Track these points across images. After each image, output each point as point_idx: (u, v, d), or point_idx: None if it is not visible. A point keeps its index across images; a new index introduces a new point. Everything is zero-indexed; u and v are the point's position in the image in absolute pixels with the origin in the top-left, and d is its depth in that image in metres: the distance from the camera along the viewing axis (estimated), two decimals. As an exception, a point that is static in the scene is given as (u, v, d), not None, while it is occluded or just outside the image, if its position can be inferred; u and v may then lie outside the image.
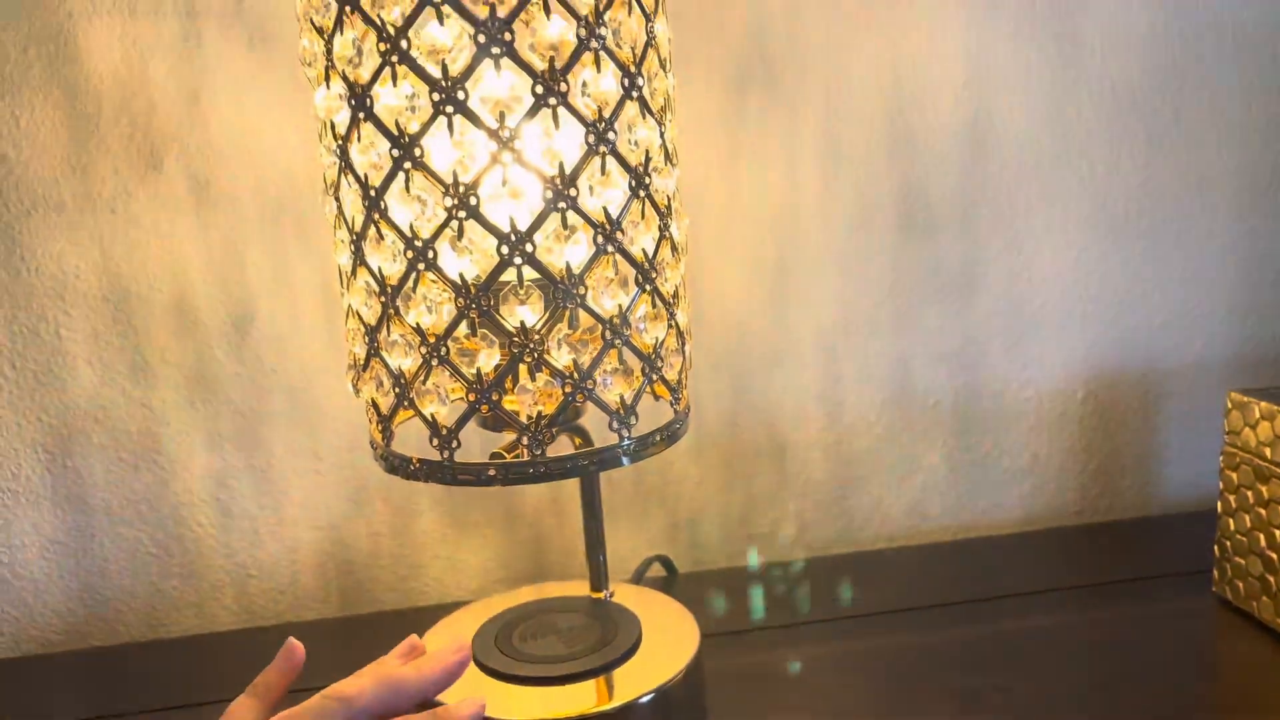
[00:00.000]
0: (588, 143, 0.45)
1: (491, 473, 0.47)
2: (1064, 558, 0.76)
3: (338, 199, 0.49)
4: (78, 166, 0.68)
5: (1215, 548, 0.67)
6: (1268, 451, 0.61)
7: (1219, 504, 0.66)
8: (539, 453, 0.47)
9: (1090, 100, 0.77)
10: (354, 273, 0.48)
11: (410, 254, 0.46)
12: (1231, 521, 0.65)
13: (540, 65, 0.44)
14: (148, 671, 0.69)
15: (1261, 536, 0.62)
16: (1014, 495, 0.84)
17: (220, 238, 0.71)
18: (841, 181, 0.76)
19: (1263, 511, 0.62)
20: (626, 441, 0.49)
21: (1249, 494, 0.63)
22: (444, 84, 0.43)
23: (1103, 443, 0.84)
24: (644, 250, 0.48)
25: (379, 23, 0.43)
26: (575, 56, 0.44)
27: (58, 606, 0.74)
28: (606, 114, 0.45)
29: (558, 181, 0.45)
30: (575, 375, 0.47)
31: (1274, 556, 0.61)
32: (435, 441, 0.48)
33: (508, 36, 0.43)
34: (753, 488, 0.80)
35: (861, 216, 0.77)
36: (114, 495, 0.73)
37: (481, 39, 0.43)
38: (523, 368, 0.47)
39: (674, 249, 0.51)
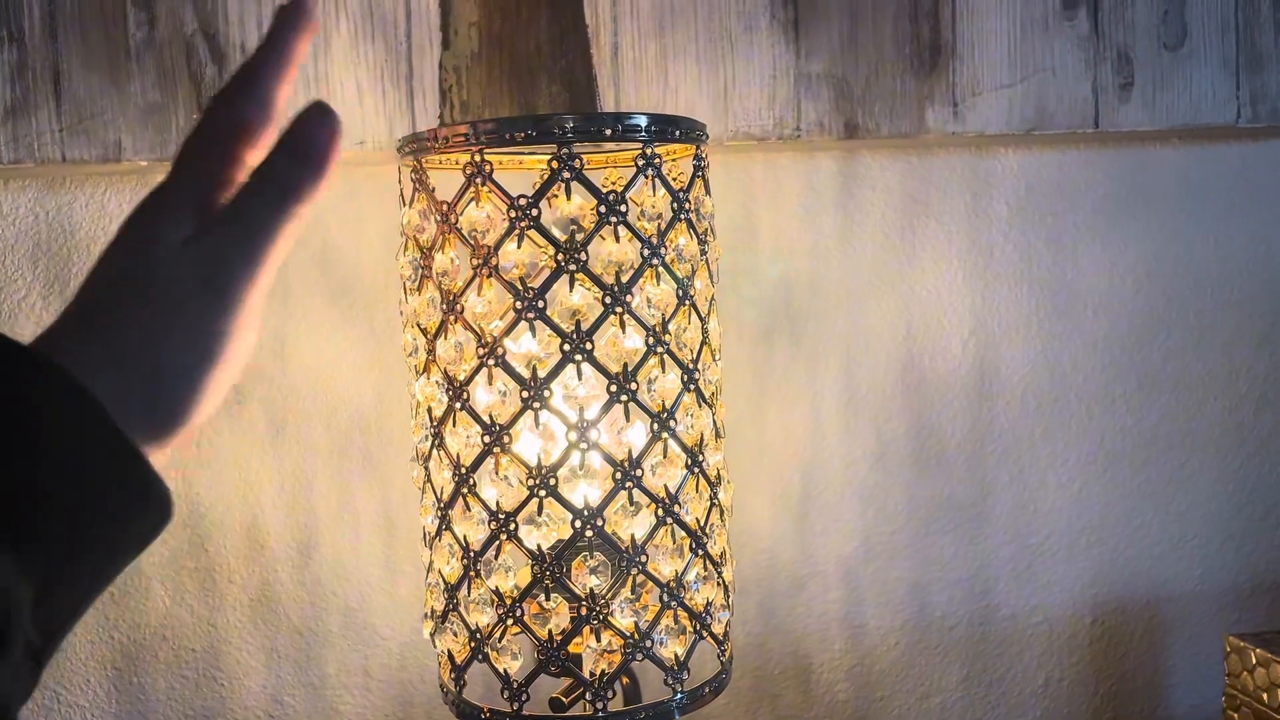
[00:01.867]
0: (652, 431, 0.52)
1: (557, 724, 0.52)
2: (1080, 785, 0.80)
3: (426, 468, 0.55)
4: (171, 405, 0.75)
5: (1224, 785, 0.70)
6: (1265, 696, 0.66)
7: (1224, 742, 0.70)
8: (600, 706, 0.52)
9: (1084, 349, 0.85)
10: (439, 535, 0.54)
11: (493, 525, 0.52)
12: (1237, 760, 0.69)
13: (614, 369, 0.51)
14: None
15: (1266, 778, 0.66)
16: (1029, 716, 0.87)
17: (292, 468, 0.77)
18: (860, 421, 0.83)
19: (1266, 753, 0.66)
20: (680, 696, 0.54)
21: (1252, 735, 0.67)
22: (532, 383, 0.50)
23: (1112, 667, 0.88)
24: (696, 520, 0.54)
25: (478, 330, 0.51)
26: (642, 361, 0.51)
27: (110, 821, 0.77)
28: (669, 405, 0.52)
29: (625, 465, 0.52)
30: (635, 635, 0.52)
31: (1279, 798, 0.65)
32: (505, 694, 0.53)
33: (589, 346, 0.50)
34: (778, 708, 0.84)
35: (879, 452, 0.84)
36: (174, 711, 0.77)
37: (566, 348, 0.50)
38: (586, 630, 0.52)
39: (722, 514, 0.57)
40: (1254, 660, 0.67)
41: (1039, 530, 0.86)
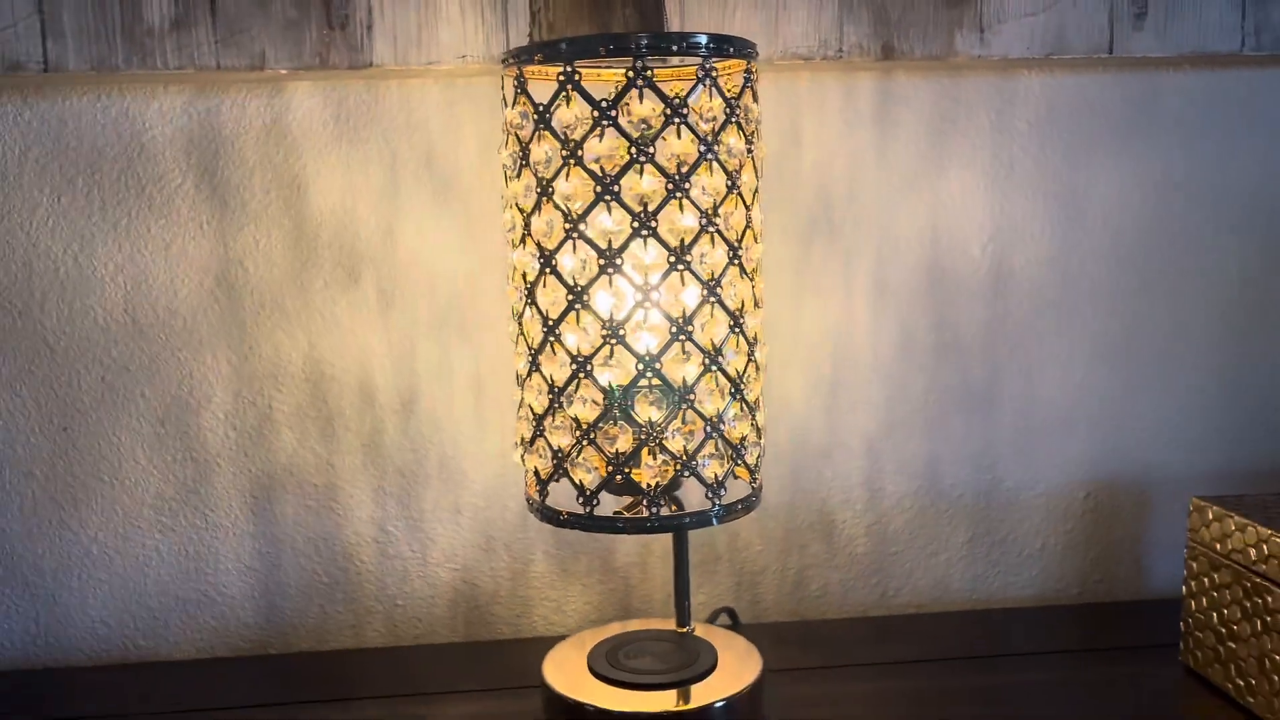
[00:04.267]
0: (703, 296, 0.65)
1: (620, 525, 0.66)
2: (1063, 628, 0.92)
3: (520, 324, 0.69)
4: (298, 279, 0.90)
5: (1181, 624, 0.82)
6: (1218, 546, 0.78)
7: (1184, 588, 0.82)
8: (654, 511, 0.66)
9: (1091, 254, 0.96)
10: (529, 375, 0.68)
11: (574, 366, 0.65)
12: (1193, 603, 0.81)
13: (674, 243, 0.64)
14: (314, 675, 0.87)
15: (1215, 615, 0.78)
16: (1025, 576, 1.00)
17: (398, 336, 0.91)
18: (887, 313, 0.95)
19: (1215, 595, 0.78)
20: (717, 508, 0.67)
21: (1206, 580, 0.79)
22: (608, 253, 0.63)
23: (1102, 535, 1.00)
24: (737, 369, 0.67)
25: (565, 210, 0.64)
26: (697, 237, 0.64)
27: (247, 620, 0.94)
28: (717, 275, 0.65)
29: (680, 321, 0.64)
30: (684, 457, 0.66)
31: (1224, 631, 0.77)
32: (580, 499, 0.67)
33: (654, 224, 0.63)
34: (805, 557, 0.98)
35: (902, 341, 0.95)
36: (299, 534, 0.93)
37: (635, 225, 0.63)
38: (645, 451, 0.66)
39: (758, 368, 0.70)
40: (1210, 516, 0.79)
41: (1041, 414, 0.98)
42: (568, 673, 0.74)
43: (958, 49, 0.88)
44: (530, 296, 0.67)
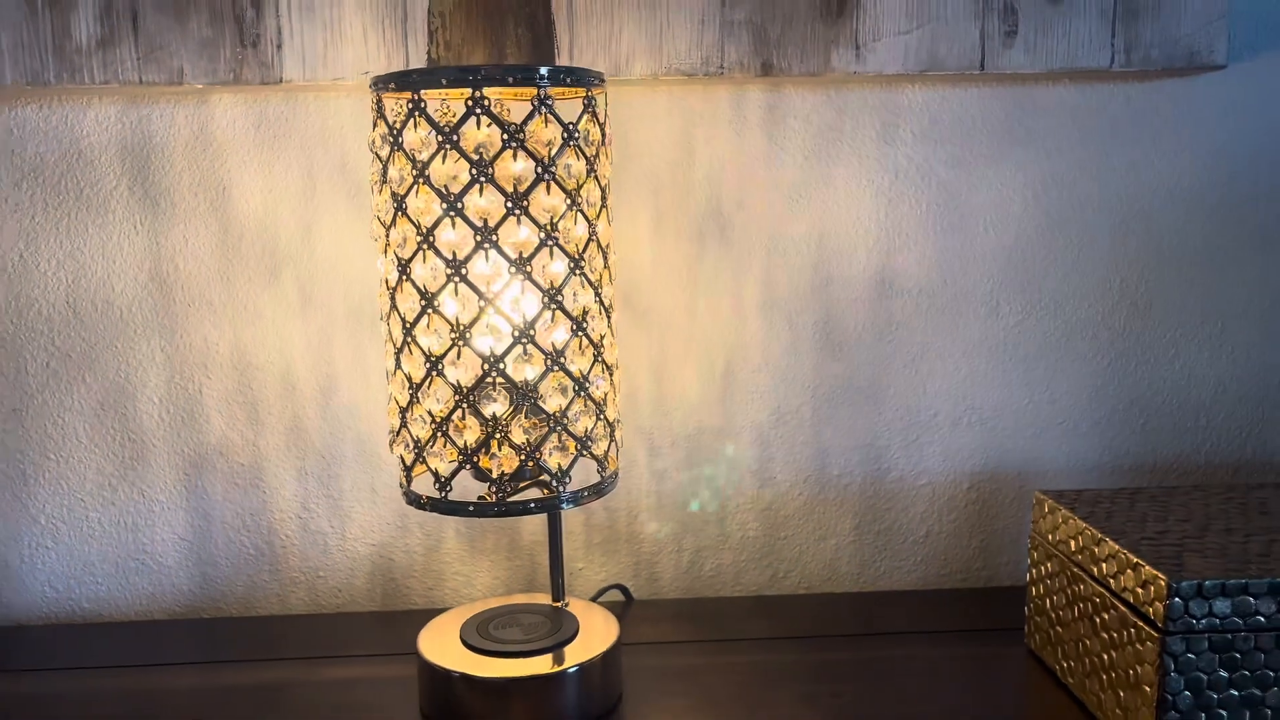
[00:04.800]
0: (543, 303, 0.71)
1: (470, 509, 0.73)
2: (940, 611, 0.98)
3: (387, 325, 0.76)
4: (225, 276, 0.97)
5: (1025, 609, 0.88)
6: (1050, 537, 0.83)
7: (1026, 575, 0.88)
8: (501, 497, 0.73)
9: (975, 258, 1.01)
10: (394, 372, 0.75)
11: (427, 364, 0.72)
12: (1034, 589, 0.87)
13: (513, 255, 0.70)
14: (242, 637, 0.96)
15: (1048, 601, 0.84)
16: (910, 561, 1.06)
17: (317, 329, 0.99)
18: (776, 313, 1.01)
19: (1049, 582, 0.84)
20: (563, 495, 0.74)
21: (1043, 569, 0.85)
22: (454, 263, 0.70)
23: (985, 525, 1.05)
24: (580, 370, 0.74)
25: (417, 224, 0.70)
26: (536, 250, 0.70)
27: (181, 587, 1.02)
28: (557, 284, 0.71)
29: (521, 326, 0.71)
30: (528, 448, 0.73)
31: (1054, 616, 0.83)
32: (437, 485, 0.74)
33: (494, 238, 0.69)
34: (700, 539, 1.04)
35: (792, 340, 1.01)
36: (228, 509, 1.01)
37: (477, 238, 0.69)
38: (493, 443, 0.73)
39: (605, 367, 0.76)
40: (1046, 509, 0.84)
41: (927, 409, 1.03)
42: (441, 643, 0.82)
43: (834, 66, 0.93)
44: (392, 301, 0.74)
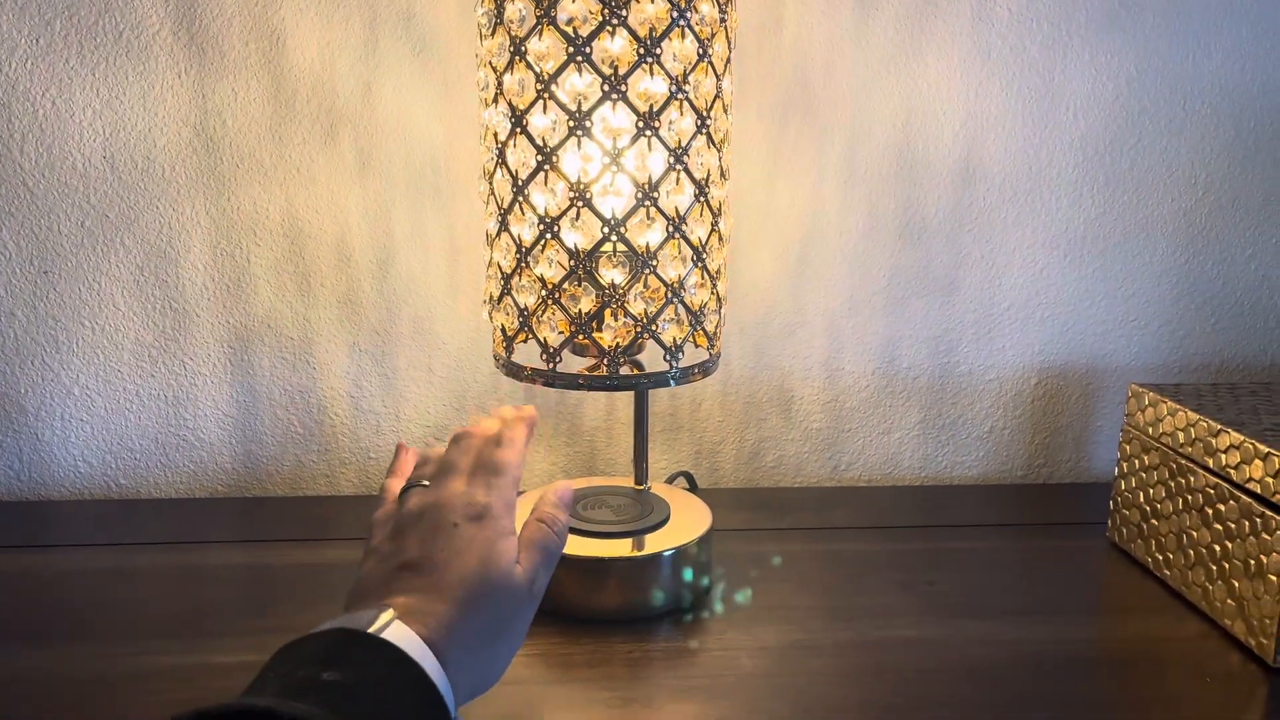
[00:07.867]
0: (669, 163, 0.66)
1: (581, 381, 0.69)
2: (1004, 505, 0.97)
3: (490, 184, 0.70)
4: (277, 134, 0.90)
5: (1110, 502, 0.87)
6: (1150, 430, 0.82)
7: (1116, 468, 0.87)
8: (613, 371, 0.69)
9: (1061, 146, 0.97)
10: (498, 235, 0.70)
11: (541, 226, 0.67)
12: (1123, 483, 0.86)
13: (642, 108, 0.65)
14: (289, 518, 0.91)
15: (1141, 494, 0.83)
16: (972, 456, 1.04)
17: (375, 197, 0.92)
18: (856, 195, 0.97)
19: (1144, 475, 0.83)
20: (675, 370, 0.70)
21: (1137, 462, 0.84)
22: (578, 115, 0.64)
23: (1049, 421, 1.04)
24: (699, 238, 0.69)
25: (538, 70, 0.65)
26: (666, 103, 0.65)
27: (224, 464, 0.97)
28: (684, 143, 0.67)
29: (646, 187, 0.66)
30: (645, 320, 0.68)
31: (1148, 509, 0.82)
32: (544, 356, 0.70)
33: (624, 88, 0.64)
34: (763, 430, 1.02)
35: (870, 224, 0.97)
36: (275, 386, 0.96)
37: (606, 88, 0.64)
38: (608, 312, 0.68)
39: (720, 239, 0.72)
40: (1146, 401, 0.82)
41: (1001, 301, 1.01)
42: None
43: (943, -70, 0.87)
44: (501, 156, 0.68)
